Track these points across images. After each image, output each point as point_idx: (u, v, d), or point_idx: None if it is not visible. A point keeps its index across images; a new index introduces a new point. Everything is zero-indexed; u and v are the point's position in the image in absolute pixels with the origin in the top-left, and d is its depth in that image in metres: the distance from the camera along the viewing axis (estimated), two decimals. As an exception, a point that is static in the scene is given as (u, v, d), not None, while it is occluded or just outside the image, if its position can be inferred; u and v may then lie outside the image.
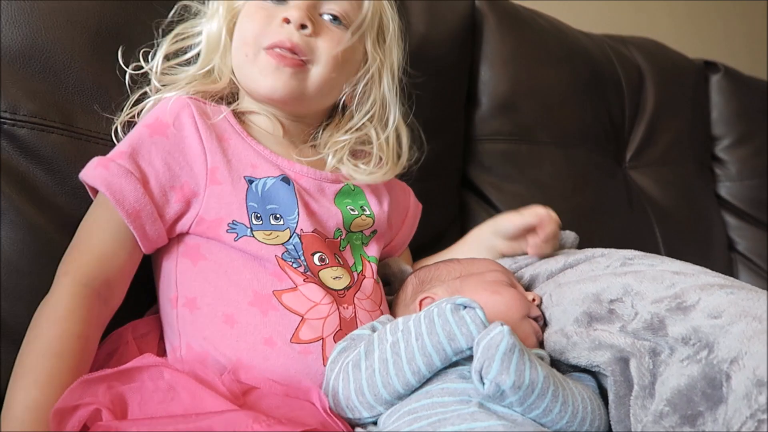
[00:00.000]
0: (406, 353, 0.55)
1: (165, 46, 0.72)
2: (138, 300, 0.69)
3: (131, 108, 0.71)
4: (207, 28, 0.72)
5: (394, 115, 0.76)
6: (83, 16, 0.74)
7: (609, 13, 1.68)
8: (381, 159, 0.75)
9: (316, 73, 0.67)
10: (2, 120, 0.68)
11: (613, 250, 0.75)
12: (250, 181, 0.66)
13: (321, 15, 0.69)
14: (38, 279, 0.66)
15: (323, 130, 0.75)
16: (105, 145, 0.71)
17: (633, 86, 1.33)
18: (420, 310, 0.70)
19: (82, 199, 0.70)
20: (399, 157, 0.76)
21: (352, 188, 0.74)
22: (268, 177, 0.66)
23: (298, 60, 0.66)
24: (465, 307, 0.56)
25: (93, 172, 0.63)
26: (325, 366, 0.61)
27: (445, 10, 1.06)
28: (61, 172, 0.70)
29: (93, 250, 0.62)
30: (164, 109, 0.67)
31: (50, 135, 0.70)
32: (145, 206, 0.63)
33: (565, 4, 1.48)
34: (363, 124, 0.74)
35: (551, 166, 1.14)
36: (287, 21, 0.65)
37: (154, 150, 0.64)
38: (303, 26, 0.66)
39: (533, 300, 0.70)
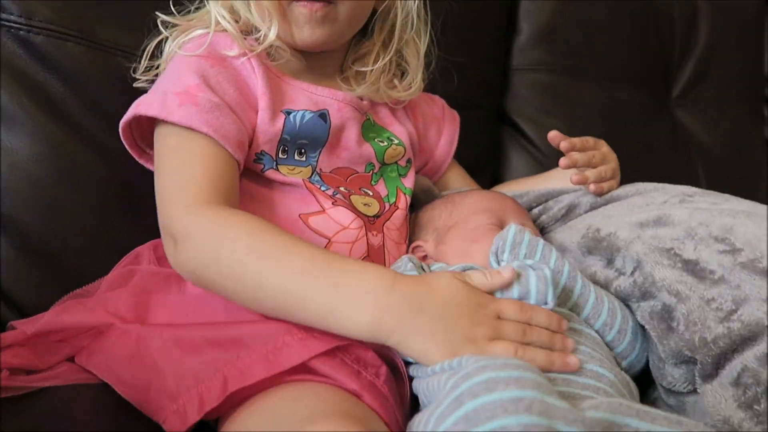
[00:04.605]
0: None
1: None
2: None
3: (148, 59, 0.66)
4: None
5: (427, 29, 0.73)
6: None
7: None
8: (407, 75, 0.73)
9: (345, 9, 0.64)
10: (18, 26, 0.65)
11: (668, 185, 0.69)
12: (288, 113, 0.63)
13: None
14: (58, 191, 0.65)
15: (352, 62, 0.72)
16: (125, 58, 0.68)
17: (685, 20, 1.25)
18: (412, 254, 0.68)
19: (100, 112, 0.68)
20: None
21: (372, 122, 0.72)
22: (306, 110, 0.64)
23: (326, 2, 0.62)
24: None
25: (181, 111, 0.57)
26: None
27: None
28: (79, 84, 0.68)
29: (199, 180, 0.55)
30: (211, 42, 0.63)
31: (66, 44, 0.67)
32: (245, 134, 0.60)
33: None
34: (396, 44, 0.71)
35: (593, 100, 1.09)
36: None
37: (222, 78, 0.60)
38: None
39: None
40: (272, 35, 0.62)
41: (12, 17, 0.65)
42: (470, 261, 0.61)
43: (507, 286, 0.51)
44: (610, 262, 0.63)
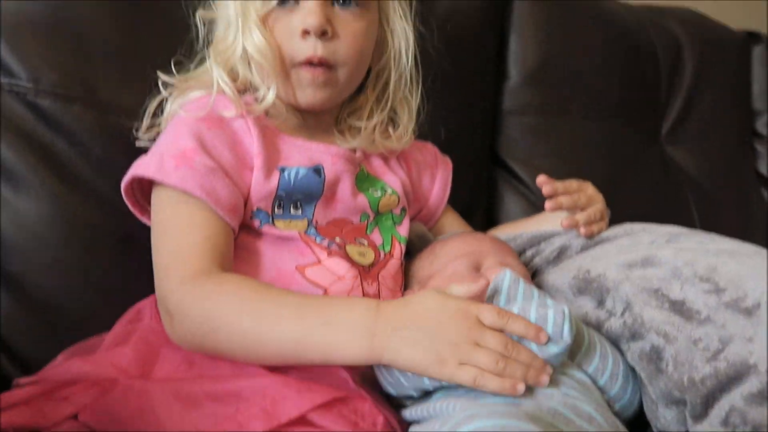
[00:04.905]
0: None
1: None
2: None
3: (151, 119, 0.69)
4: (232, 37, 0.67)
5: (418, 86, 0.76)
6: (106, -14, 0.73)
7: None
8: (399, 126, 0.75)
9: (344, 73, 0.67)
10: (25, 90, 0.68)
11: (654, 225, 0.71)
12: (282, 170, 0.66)
13: (335, 3, 0.66)
14: (62, 250, 0.67)
15: (347, 115, 0.75)
16: (128, 117, 0.71)
17: (670, 58, 1.28)
18: None
19: (104, 171, 0.70)
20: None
21: (366, 173, 0.74)
22: (301, 167, 0.66)
23: (327, 67, 0.66)
24: None
25: (177, 174, 0.59)
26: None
27: (473, -21, 1.03)
28: (83, 144, 0.70)
29: (193, 249, 0.58)
30: (209, 103, 0.65)
31: (72, 106, 0.70)
32: (238, 198, 0.62)
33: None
34: (391, 102, 0.74)
35: (583, 140, 1.11)
36: (307, 32, 0.64)
37: (218, 142, 0.63)
38: (323, 32, 0.64)
39: None
40: (271, 97, 0.65)
41: (21, 83, 0.69)
42: None
43: (483, 290, 0.55)
44: (600, 303, 0.65)
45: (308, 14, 0.63)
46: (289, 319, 0.53)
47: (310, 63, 0.65)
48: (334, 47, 0.65)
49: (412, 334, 0.51)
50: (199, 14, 0.71)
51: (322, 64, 0.65)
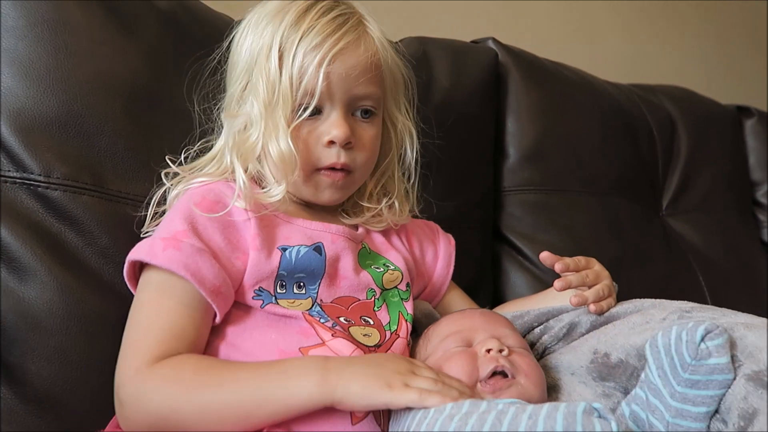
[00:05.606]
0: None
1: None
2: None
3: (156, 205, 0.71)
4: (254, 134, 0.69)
5: (417, 173, 0.79)
6: (116, 83, 0.76)
7: (635, 62, 1.68)
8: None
9: (360, 174, 0.72)
10: (36, 183, 0.70)
11: (665, 301, 0.70)
12: (284, 249, 0.67)
13: (354, 113, 0.70)
14: (66, 339, 0.66)
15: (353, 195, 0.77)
16: (134, 206, 0.73)
17: (664, 134, 1.31)
18: None
19: (110, 258, 0.71)
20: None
21: (368, 250, 0.74)
22: (302, 245, 0.67)
23: (347, 172, 0.70)
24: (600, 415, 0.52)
25: (164, 255, 0.61)
26: (353, 425, 0.59)
27: (469, 65, 1.07)
28: (91, 232, 0.71)
29: (156, 339, 0.59)
30: (207, 189, 0.68)
31: (81, 196, 0.71)
32: (224, 280, 0.63)
33: (591, 56, 1.49)
34: (397, 192, 0.78)
35: (584, 214, 1.12)
36: (333, 142, 0.67)
37: (210, 225, 0.65)
38: (347, 143, 0.68)
39: (488, 351, 0.64)
40: (280, 195, 0.67)
41: (32, 176, 0.70)
42: None
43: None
44: (627, 393, 0.64)
45: (334, 127, 0.67)
46: (246, 379, 0.57)
47: (332, 168, 0.68)
48: (354, 155, 0.69)
49: (360, 368, 0.57)
50: (224, 116, 0.73)
51: (343, 169, 0.69)
